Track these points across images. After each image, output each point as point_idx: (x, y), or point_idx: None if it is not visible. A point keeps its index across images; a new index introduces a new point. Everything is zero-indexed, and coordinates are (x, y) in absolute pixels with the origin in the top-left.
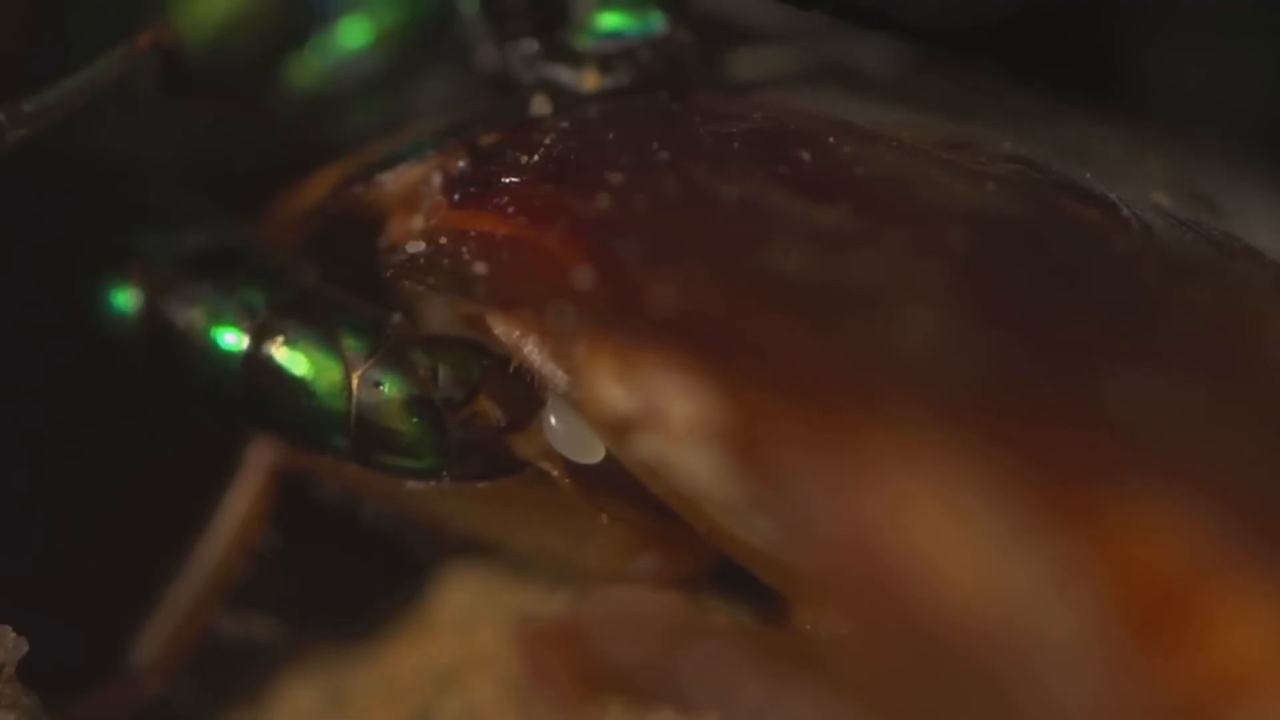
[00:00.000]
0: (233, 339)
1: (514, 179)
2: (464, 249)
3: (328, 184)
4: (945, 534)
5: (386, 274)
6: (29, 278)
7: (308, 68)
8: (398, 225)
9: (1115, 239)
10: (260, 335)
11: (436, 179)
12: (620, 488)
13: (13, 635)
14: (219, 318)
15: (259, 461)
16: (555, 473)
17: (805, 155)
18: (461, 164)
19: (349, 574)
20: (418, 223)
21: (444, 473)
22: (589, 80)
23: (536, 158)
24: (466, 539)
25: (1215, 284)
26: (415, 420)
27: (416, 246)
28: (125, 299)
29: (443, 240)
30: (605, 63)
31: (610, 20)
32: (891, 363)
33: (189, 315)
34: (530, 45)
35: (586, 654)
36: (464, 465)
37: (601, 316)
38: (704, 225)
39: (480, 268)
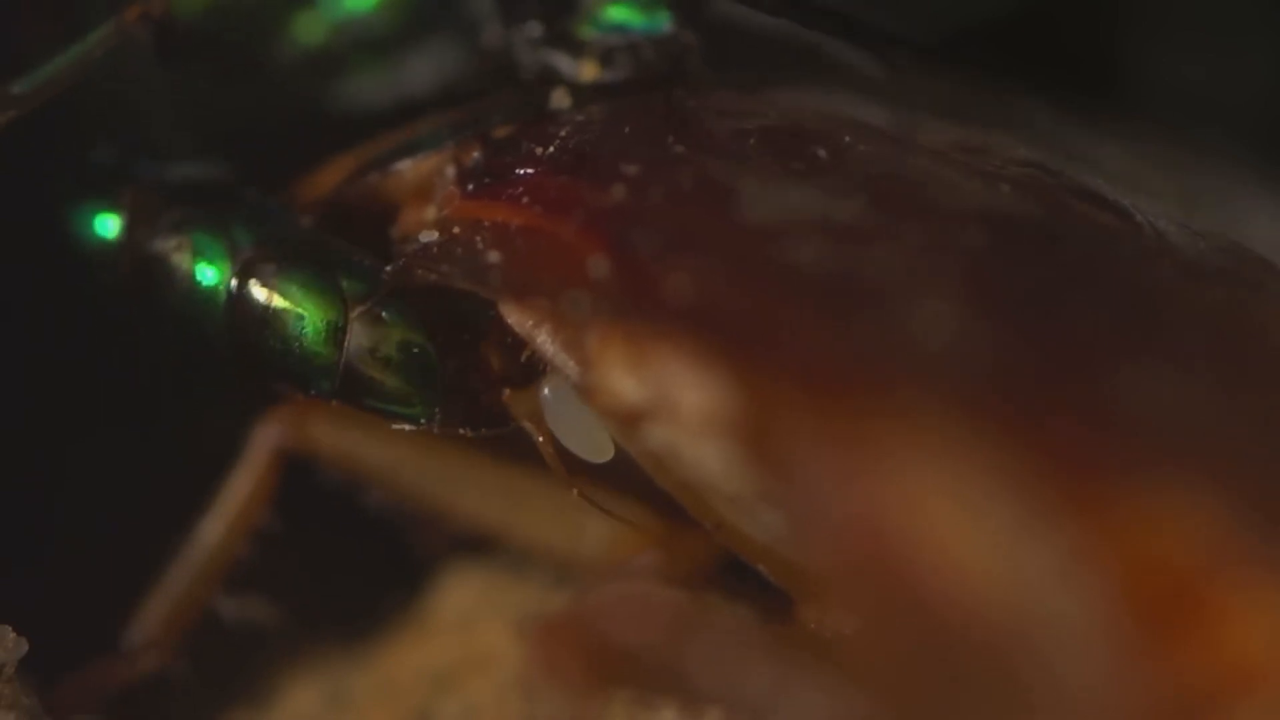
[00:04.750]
0: (220, 273)
1: (529, 170)
2: (478, 238)
3: (342, 171)
4: (957, 524)
5: (399, 264)
6: (25, 271)
7: (313, 25)
8: (410, 215)
9: (1129, 241)
10: (251, 269)
11: (451, 170)
12: (621, 481)
13: (13, 635)
14: (211, 249)
15: (263, 442)
16: (540, 439)
17: (821, 152)
18: (476, 155)
19: (350, 574)
20: (431, 213)
21: (436, 413)
22: (587, 71)
23: (552, 149)
24: (467, 531)
25: (1227, 286)
26: (414, 354)
27: (430, 236)
28: (111, 224)
29: (456, 230)
30: (606, 55)
31: (617, 13)
32: (904, 354)
33: (179, 243)
34: (535, 29)
35: (595, 642)
36: (453, 408)
37: (616, 306)
38: (719, 217)
39: (494, 257)
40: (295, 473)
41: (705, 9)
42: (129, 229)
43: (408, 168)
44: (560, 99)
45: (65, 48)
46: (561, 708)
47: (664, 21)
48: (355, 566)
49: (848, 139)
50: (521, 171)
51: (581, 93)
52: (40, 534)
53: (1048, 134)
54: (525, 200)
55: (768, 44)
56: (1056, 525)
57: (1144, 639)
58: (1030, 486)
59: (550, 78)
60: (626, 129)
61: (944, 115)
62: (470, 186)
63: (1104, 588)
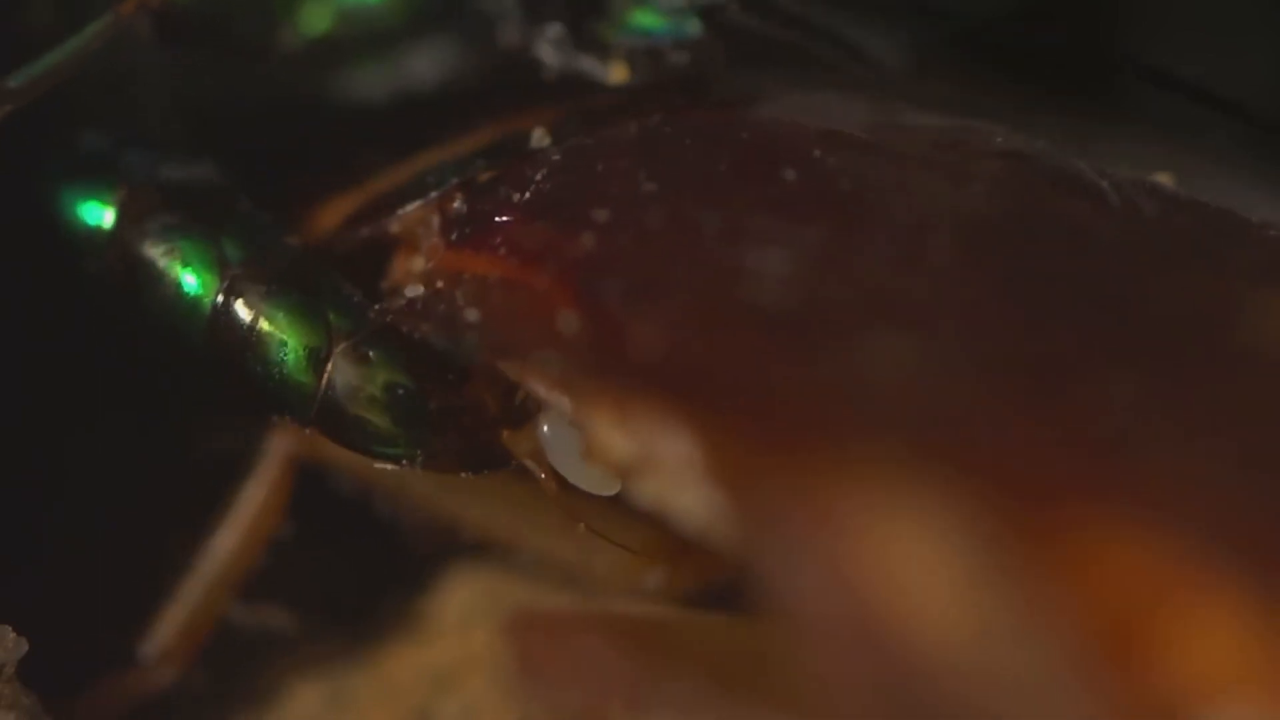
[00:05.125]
0: (204, 284)
1: (507, 218)
2: (458, 293)
3: (336, 217)
4: (914, 574)
5: (386, 319)
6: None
7: (319, 14)
8: (400, 266)
9: (1099, 241)
10: (238, 287)
11: (435, 220)
12: (626, 504)
13: (13, 635)
14: (200, 259)
15: (277, 451)
16: (542, 476)
17: (789, 178)
18: (457, 204)
19: (350, 574)
20: (418, 264)
21: (418, 455)
22: (616, 73)
23: (529, 195)
24: (477, 541)
25: (1200, 280)
26: (399, 395)
27: (415, 291)
28: (100, 214)
29: (439, 284)
30: (631, 59)
31: (645, 19)
32: (863, 400)
33: (169, 248)
34: (559, 30)
35: (569, 650)
36: (447, 450)
37: (588, 361)
38: (687, 262)
39: (473, 314)
40: (296, 474)
41: (731, 15)
42: (119, 224)
43: (395, 220)
44: (540, 138)
45: (66, 37)
46: (556, 708)
47: (693, 28)
48: (356, 567)
49: (817, 156)
50: (499, 219)
51: (610, 95)
52: (40, 533)
53: (1042, 136)
54: (502, 251)
55: (774, 47)
56: (1014, 569)
57: (1102, 679)
58: (987, 530)
59: (576, 79)
60: (599, 167)
61: (932, 110)
62: (454, 236)
63: (1062, 632)
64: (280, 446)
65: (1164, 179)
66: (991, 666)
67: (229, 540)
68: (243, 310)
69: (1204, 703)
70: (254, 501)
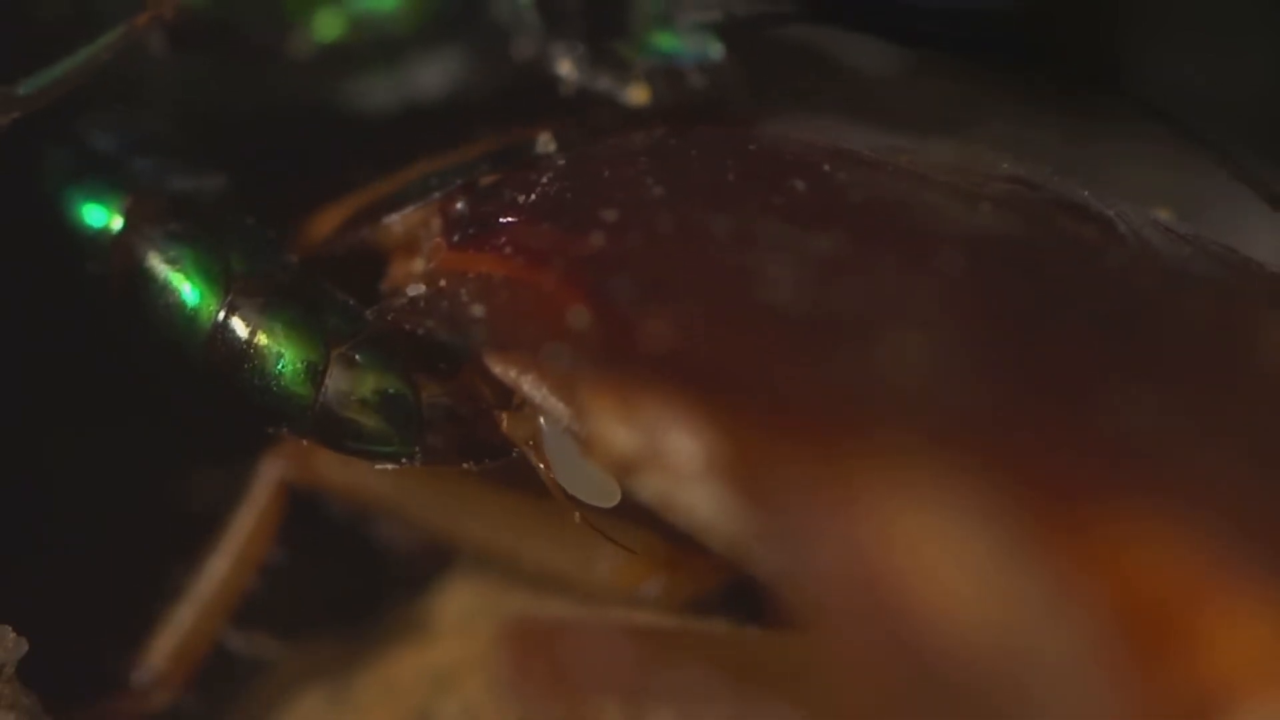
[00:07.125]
0: (205, 296)
1: (511, 219)
2: (462, 291)
3: (333, 221)
4: (940, 563)
5: (387, 317)
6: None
7: (331, 21)
8: (399, 267)
9: (1110, 257)
10: (239, 301)
11: (437, 221)
12: (625, 508)
13: (13, 635)
14: (204, 271)
15: (268, 476)
16: (541, 466)
17: (798, 187)
18: (460, 205)
19: (351, 575)
20: (419, 265)
21: (416, 452)
22: (637, 94)
23: (534, 197)
24: (474, 556)
25: (1211, 300)
26: (390, 396)
27: (417, 289)
28: (105, 217)
29: (442, 283)
30: (652, 80)
31: (666, 40)
32: (884, 393)
33: (175, 256)
34: (578, 48)
35: (563, 661)
36: (446, 444)
37: (597, 357)
38: (697, 262)
39: (478, 310)
40: (303, 488)
41: (756, 38)
42: (125, 229)
43: (396, 221)
44: (546, 143)
45: (81, 37)
46: (552, 709)
47: (715, 51)
48: (357, 568)
49: (827, 170)
50: (504, 220)
51: (629, 116)
52: (40, 534)
53: (1043, 136)
54: (508, 251)
55: (785, 54)
56: (1039, 558)
57: (1131, 670)
58: (1013, 521)
59: (595, 98)
60: (606, 172)
61: (940, 121)
62: (456, 237)
63: (1090, 623)
64: (271, 472)
65: (1163, 214)
66: (1017, 654)
67: (221, 565)
68: (242, 323)
69: (1231, 699)
70: (243, 527)
